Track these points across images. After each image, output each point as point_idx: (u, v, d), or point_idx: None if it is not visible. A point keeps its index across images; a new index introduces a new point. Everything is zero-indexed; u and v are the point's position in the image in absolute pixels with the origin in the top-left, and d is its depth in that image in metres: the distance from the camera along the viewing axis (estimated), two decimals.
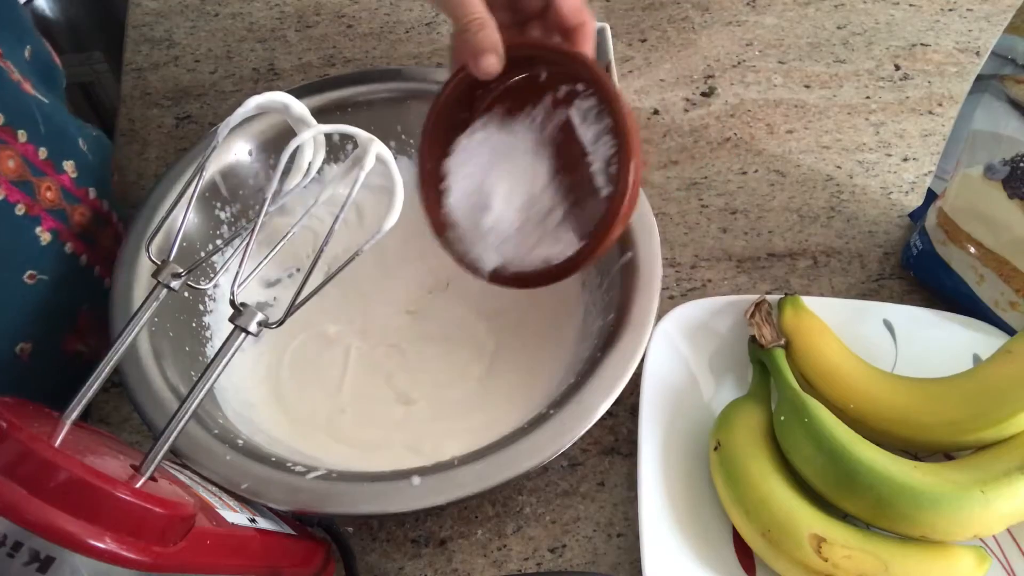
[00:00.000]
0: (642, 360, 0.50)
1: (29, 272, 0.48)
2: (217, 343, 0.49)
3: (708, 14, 0.74)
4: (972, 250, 0.52)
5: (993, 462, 0.44)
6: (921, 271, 0.56)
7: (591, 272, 0.52)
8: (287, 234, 0.40)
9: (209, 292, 0.51)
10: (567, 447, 0.42)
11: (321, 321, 0.53)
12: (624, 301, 0.47)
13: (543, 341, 0.52)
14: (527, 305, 0.53)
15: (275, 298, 0.54)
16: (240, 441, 0.43)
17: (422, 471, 0.41)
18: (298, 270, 0.55)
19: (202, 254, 0.43)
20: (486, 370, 0.51)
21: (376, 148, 0.39)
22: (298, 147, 0.43)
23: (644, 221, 0.50)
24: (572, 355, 0.49)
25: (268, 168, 0.54)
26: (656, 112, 0.67)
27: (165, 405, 0.43)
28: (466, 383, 0.51)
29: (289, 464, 0.42)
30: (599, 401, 0.43)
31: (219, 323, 0.51)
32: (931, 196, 0.57)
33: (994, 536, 0.45)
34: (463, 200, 0.47)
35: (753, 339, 0.50)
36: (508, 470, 0.41)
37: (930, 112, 0.67)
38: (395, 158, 0.39)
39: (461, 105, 0.48)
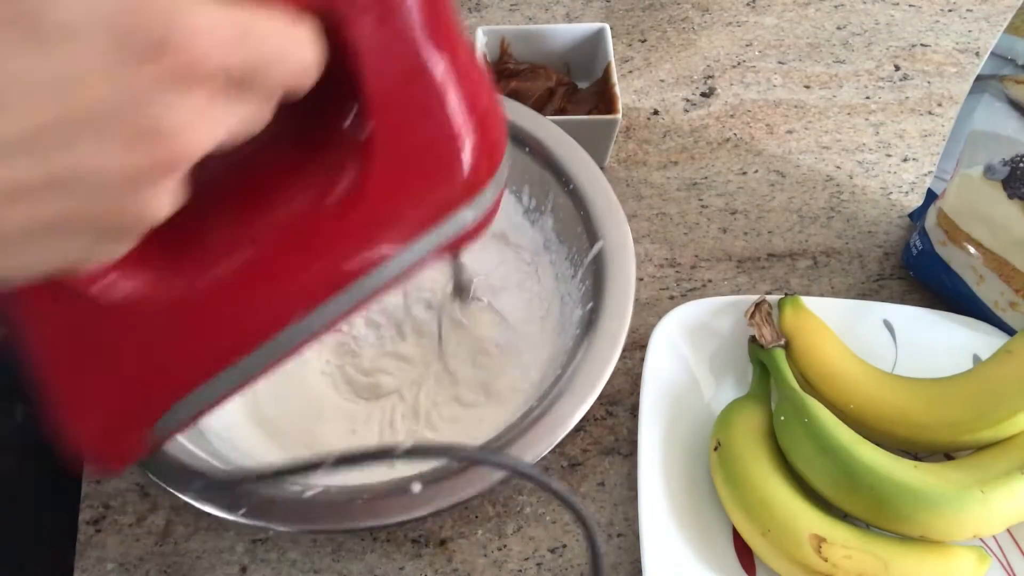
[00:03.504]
0: (642, 360, 0.50)
1: None
2: None
3: (708, 14, 0.74)
4: (972, 250, 0.52)
5: (993, 462, 0.44)
6: (921, 271, 0.56)
7: (563, 264, 0.52)
8: None
9: None
10: (562, 438, 0.42)
11: None
12: (600, 289, 0.47)
13: (522, 336, 0.52)
14: (501, 304, 0.53)
15: None
16: (230, 466, 0.42)
17: (421, 477, 0.41)
18: None
19: None
20: (466, 368, 0.51)
21: None
22: None
23: (611, 212, 0.50)
24: (553, 346, 0.50)
25: None
26: (656, 112, 0.67)
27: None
28: (446, 384, 0.51)
29: (284, 484, 0.41)
30: (590, 389, 0.43)
31: None
32: (931, 196, 0.57)
33: (994, 536, 0.45)
34: None
35: (753, 339, 0.50)
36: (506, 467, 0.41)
37: (930, 112, 0.67)
38: None
39: None
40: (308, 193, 0.27)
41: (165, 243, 0.25)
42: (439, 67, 0.26)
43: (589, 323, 0.46)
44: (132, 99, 0.19)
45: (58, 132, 0.19)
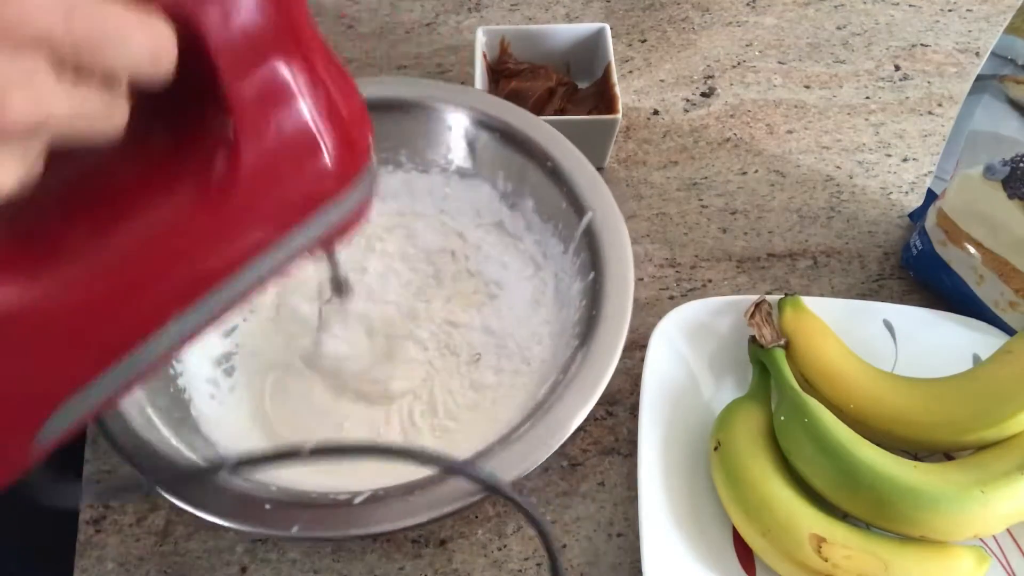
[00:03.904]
0: (642, 360, 0.50)
1: None
2: (198, 402, 0.48)
3: (708, 14, 0.74)
4: (972, 250, 0.52)
5: (993, 462, 0.44)
6: (921, 271, 0.56)
7: (550, 241, 0.53)
8: None
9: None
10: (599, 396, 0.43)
11: (284, 355, 0.51)
12: (599, 259, 0.48)
13: (523, 320, 0.52)
14: (494, 291, 0.53)
15: (238, 344, 0.52)
16: (273, 487, 0.42)
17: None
18: (252, 312, 0.53)
19: None
20: (470, 359, 0.51)
21: None
22: None
23: (593, 185, 0.51)
24: (558, 322, 0.50)
25: None
26: (656, 112, 0.67)
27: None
28: (455, 376, 0.51)
29: (331, 495, 0.40)
30: (613, 348, 0.44)
31: (191, 380, 0.49)
32: (931, 196, 0.57)
33: (994, 536, 0.45)
34: None
35: (753, 339, 0.50)
36: (556, 435, 0.41)
37: (930, 112, 0.67)
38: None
39: None
40: (176, 192, 0.28)
41: (30, 246, 0.25)
42: (294, 67, 0.27)
43: (594, 294, 0.47)
44: None
45: None
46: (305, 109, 0.28)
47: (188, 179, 0.28)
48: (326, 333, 0.50)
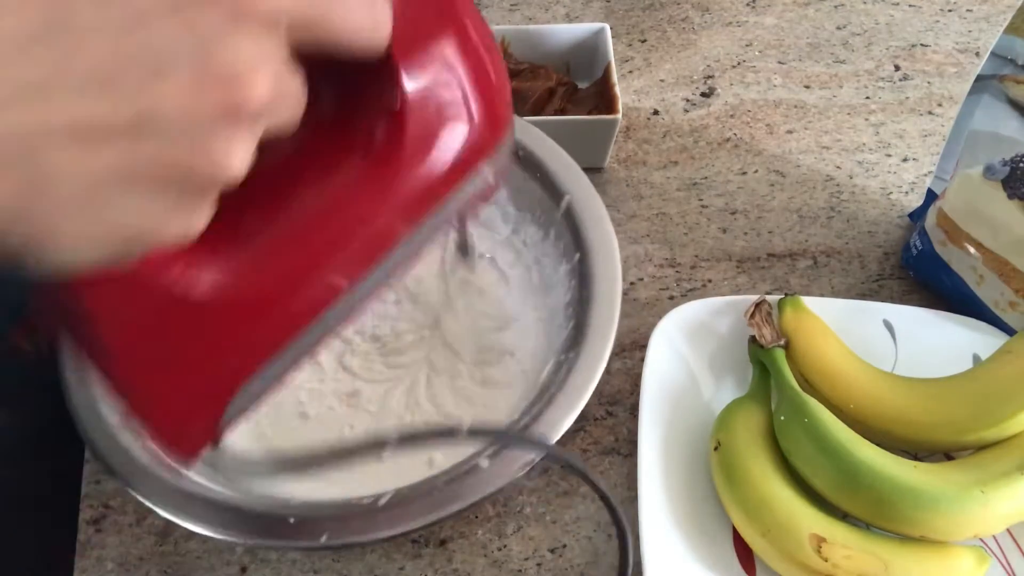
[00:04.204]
0: (642, 360, 0.50)
1: None
2: None
3: (708, 14, 0.74)
4: (972, 250, 0.52)
5: (993, 462, 0.44)
6: (921, 271, 0.56)
7: (528, 229, 0.53)
8: None
9: None
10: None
11: None
12: (582, 240, 0.49)
13: (512, 311, 0.52)
14: (480, 286, 0.53)
15: None
16: (294, 501, 0.41)
17: (485, 454, 0.41)
18: None
19: None
20: (465, 359, 0.51)
21: None
22: None
23: (566, 168, 0.51)
24: (546, 307, 0.50)
25: None
26: (656, 112, 0.67)
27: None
28: (458, 372, 0.50)
29: (354, 501, 0.40)
30: (609, 324, 0.45)
31: None
32: (931, 196, 0.57)
33: (994, 536, 0.45)
34: None
35: (753, 339, 0.50)
36: (568, 415, 0.42)
37: (930, 112, 0.67)
38: None
39: None
40: (345, 163, 0.29)
41: (224, 227, 0.26)
42: (457, 34, 0.29)
43: (582, 274, 0.47)
44: (201, 38, 0.20)
45: (132, 70, 0.19)
46: (465, 75, 0.29)
47: (356, 149, 0.29)
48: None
